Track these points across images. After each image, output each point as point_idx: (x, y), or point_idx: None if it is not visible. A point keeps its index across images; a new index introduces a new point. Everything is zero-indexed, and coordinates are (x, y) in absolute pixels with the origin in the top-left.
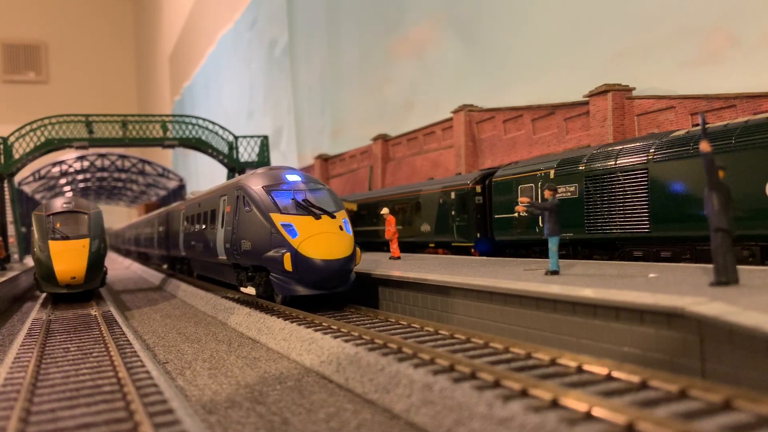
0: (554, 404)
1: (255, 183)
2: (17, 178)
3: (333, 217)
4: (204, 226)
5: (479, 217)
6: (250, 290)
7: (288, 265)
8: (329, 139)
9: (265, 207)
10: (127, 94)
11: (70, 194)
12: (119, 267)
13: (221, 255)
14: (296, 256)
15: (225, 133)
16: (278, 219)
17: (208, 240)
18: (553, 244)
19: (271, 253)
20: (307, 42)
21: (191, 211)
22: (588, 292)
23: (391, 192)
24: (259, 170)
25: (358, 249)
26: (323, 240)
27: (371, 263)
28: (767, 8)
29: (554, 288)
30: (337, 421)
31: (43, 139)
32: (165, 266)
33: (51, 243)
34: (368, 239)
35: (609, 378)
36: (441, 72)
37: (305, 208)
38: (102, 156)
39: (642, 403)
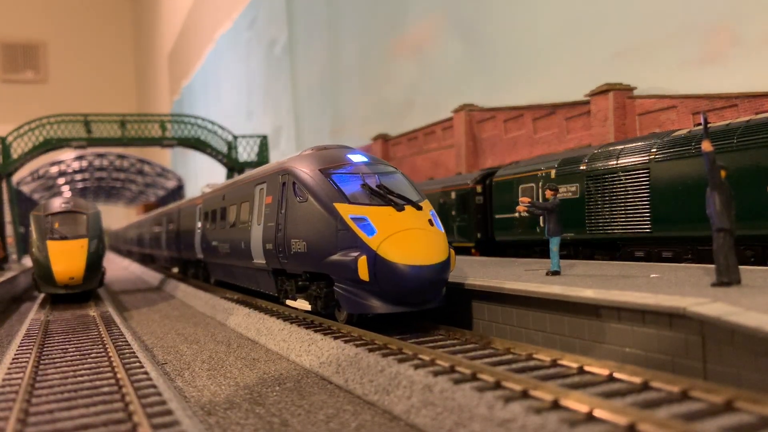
0: (555, 405)
1: (308, 165)
2: (15, 178)
3: (419, 208)
4: (231, 223)
5: (480, 217)
6: (301, 304)
7: (363, 273)
8: (329, 139)
9: (327, 195)
10: (125, 93)
11: (68, 194)
12: (117, 267)
13: (257, 258)
14: (375, 261)
15: (224, 133)
16: (347, 211)
17: (238, 240)
18: (554, 245)
19: (337, 257)
20: (306, 41)
21: (212, 205)
22: (589, 293)
23: None
24: (307, 151)
25: (452, 251)
26: (411, 239)
27: None
28: None
29: None
30: (336, 423)
31: (41, 139)
32: (175, 270)
33: (49, 243)
34: None
35: (610, 379)
36: (441, 71)
37: (382, 197)
38: (101, 156)
39: (643, 404)
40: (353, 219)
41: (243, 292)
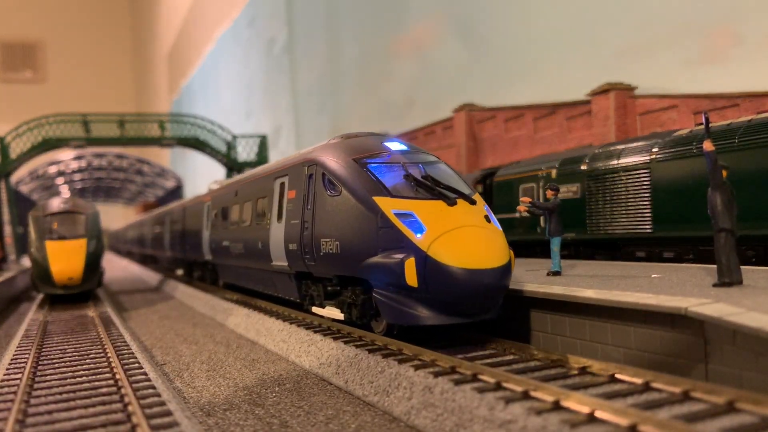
0: (556, 406)
1: (339, 154)
2: (14, 178)
3: (472, 202)
4: (246, 222)
5: None
6: (331, 312)
7: (411, 278)
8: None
9: (365, 188)
10: (124, 93)
11: (67, 194)
12: (116, 268)
13: (277, 260)
14: (425, 264)
15: (223, 133)
16: (389, 205)
17: (254, 240)
18: (554, 245)
19: (378, 259)
20: (306, 40)
21: (222, 202)
22: (590, 293)
23: None
24: (334, 140)
25: (512, 253)
26: (467, 238)
27: None
28: None
29: None
30: (336, 424)
31: (40, 139)
32: (180, 272)
33: (48, 243)
34: None
35: (612, 380)
36: (442, 70)
37: (429, 189)
38: (99, 156)
39: (645, 405)
40: (397, 215)
41: (256, 297)
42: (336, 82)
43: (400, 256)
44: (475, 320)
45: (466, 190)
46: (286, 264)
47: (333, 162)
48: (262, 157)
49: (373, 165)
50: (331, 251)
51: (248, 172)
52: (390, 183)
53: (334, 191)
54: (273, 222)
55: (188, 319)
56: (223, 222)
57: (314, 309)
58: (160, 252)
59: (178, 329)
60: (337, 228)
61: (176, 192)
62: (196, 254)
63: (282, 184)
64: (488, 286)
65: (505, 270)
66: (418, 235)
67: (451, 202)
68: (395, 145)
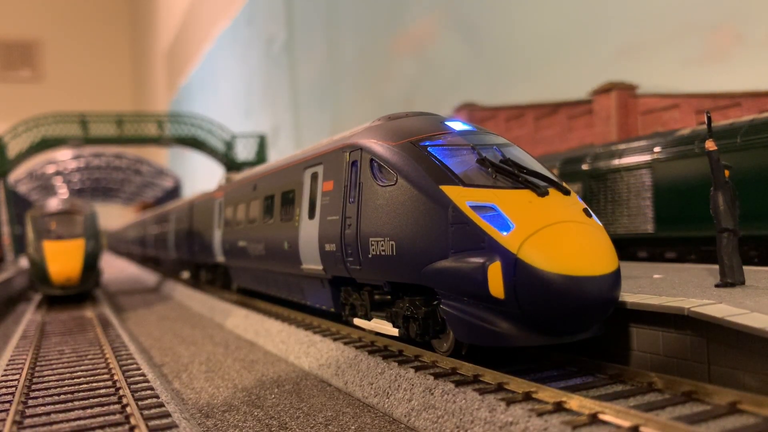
0: (558, 408)
1: (389, 137)
2: (12, 178)
3: (566, 192)
4: (268, 219)
5: None
6: (380, 325)
7: (496, 287)
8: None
9: (428, 174)
10: (123, 92)
11: (65, 194)
12: (115, 269)
13: (309, 263)
14: (516, 270)
15: (222, 132)
16: (462, 196)
17: (279, 239)
18: None
19: (448, 263)
20: (305, 38)
21: (238, 198)
22: None
23: None
24: (377, 121)
25: None
26: (568, 236)
27: None
28: None
29: None
30: (336, 425)
31: (38, 138)
32: (185, 274)
33: (45, 243)
34: None
35: (614, 381)
36: (442, 69)
37: (513, 176)
38: (98, 156)
39: (647, 407)
40: (474, 207)
41: (258, 298)
42: (335, 81)
43: (480, 259)
44: (573, 340)
45: (554, 178)
46: (320, 268)
47: (383, 146)
48: (261, 157)
49: (434, 148)
50: (383, 253)
51: (269, 163)
52: (459, 169)
53: (386, 180)
54: (303, 219)
55: (187, 320)
56: (239, 220)
57: (356, 321)
58: (163, 253)
59: (176, 330)
60: (391, 225)
61: (174, 192)
62: (206, 256)
63: (314, 175)
64: (596, 298)
65: (615, 278)
66: (504, 233)
67: (542, 192)
68: (458, 125)
